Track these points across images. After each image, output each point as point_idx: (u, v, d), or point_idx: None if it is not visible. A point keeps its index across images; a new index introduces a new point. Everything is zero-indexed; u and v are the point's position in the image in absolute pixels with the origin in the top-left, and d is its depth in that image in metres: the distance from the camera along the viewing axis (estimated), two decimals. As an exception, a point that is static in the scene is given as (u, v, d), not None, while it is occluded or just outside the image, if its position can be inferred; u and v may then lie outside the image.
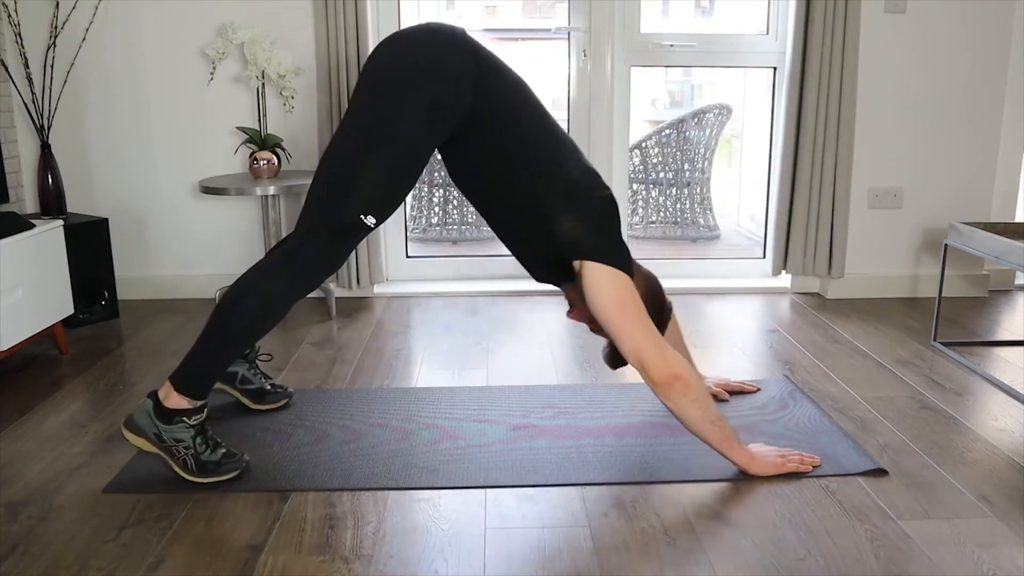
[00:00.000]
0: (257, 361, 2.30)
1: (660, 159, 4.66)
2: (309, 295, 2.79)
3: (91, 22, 3.14)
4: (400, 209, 3.51)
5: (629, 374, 2.49)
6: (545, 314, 3.16)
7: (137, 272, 3.39)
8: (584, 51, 3.34)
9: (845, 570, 1.53)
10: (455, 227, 4.62)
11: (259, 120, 3.17)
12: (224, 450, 1.87)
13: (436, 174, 4.57)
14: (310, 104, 3.25)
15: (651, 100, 6.38)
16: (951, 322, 3.07)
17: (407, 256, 3.58)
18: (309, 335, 2.93)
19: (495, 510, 1.74)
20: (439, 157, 1.92)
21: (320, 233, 1.80)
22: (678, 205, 4.72)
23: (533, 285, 3.39)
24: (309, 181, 2.95)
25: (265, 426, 2.15)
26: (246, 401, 2.25)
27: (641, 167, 4.69)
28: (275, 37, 3.15)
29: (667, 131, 4.60)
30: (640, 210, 4.76)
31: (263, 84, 3.11)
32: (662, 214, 4.75)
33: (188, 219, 3.35)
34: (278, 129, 3.25)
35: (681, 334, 2.28)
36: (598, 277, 1.83)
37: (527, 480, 1.86)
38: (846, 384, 2.44)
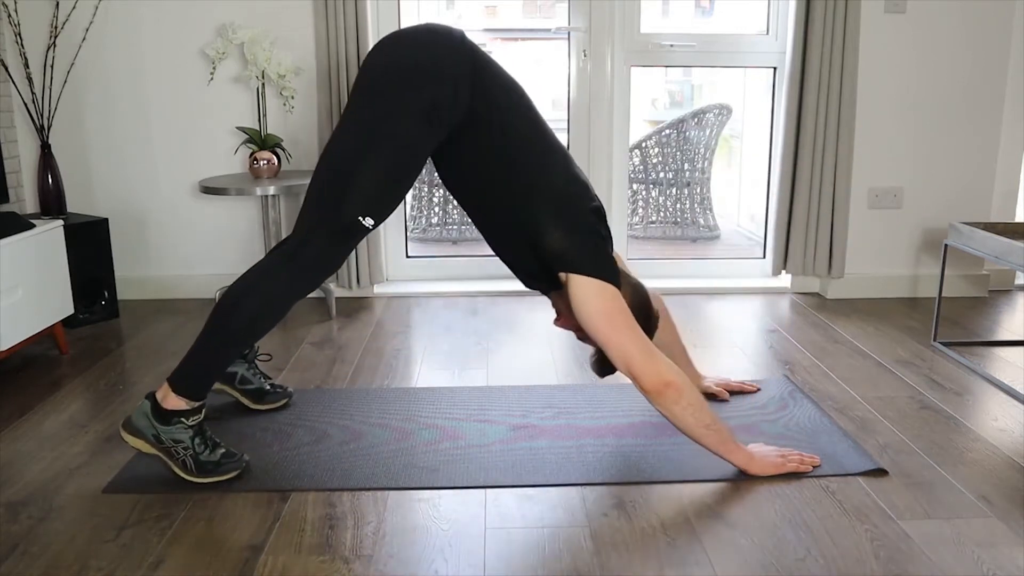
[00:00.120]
0: (256, 361, 2.30)
1: (660, 159, 4.66)
2: (309, 295, 2.79)
3: (91, 22, 3.14)
4: (400, 209, 3.52)
5: (629, 374, 2.49)
6: (545, 314, 3.16)
7: (137, 272, 3.39)
8: (584, 51, 3.34)
9: (845, 570, 1.53)
10: (455, 227, 4.62)
11: (259, 120, 3.17)
12: (223, 450, 1.87)
13: (436, 174, 4.56)
14: (310, 104, 3.25)
15: (651, 100, 6.38)
16: (951, 322, 3.07)
17: (407, 256, 3.58)
18: (309, 335, 2.93)
19: (495, 510, 1.74)
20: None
21: (319, 233, 1.80)
22: (678, 205, 4.72)
23: (533, 285, 3.39)
24: (309, 181, 2.95)
25: (265, 426, 2.15)
26: (246, 401, 2.25)
27: (641, 167, 4.69)
28: (275, 37, 3.15)
29: (667, 131, 4.60)
30: (640, 210, 4.76)
31: (263, 84, 3.11)
32: (662, 214, 4.75)
33: (188, 219, 3.35)
34: (278, 129, 3.26)
35: (679, 336, 2.27)
36: (585, 290, 1.83)
37: (527, 480, 1.86)
38: (846, 384, 2.44)
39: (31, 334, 2.52)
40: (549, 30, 3.45)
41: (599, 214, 1.90)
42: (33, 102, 3.07)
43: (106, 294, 3.10)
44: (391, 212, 1.85)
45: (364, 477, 1.88)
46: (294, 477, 1.88)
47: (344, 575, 1.52)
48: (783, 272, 3.41)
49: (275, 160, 3.05)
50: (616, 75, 3.36)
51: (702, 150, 4.64)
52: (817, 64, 3.14)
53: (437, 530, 1.67)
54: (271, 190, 2.90)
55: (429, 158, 1.86)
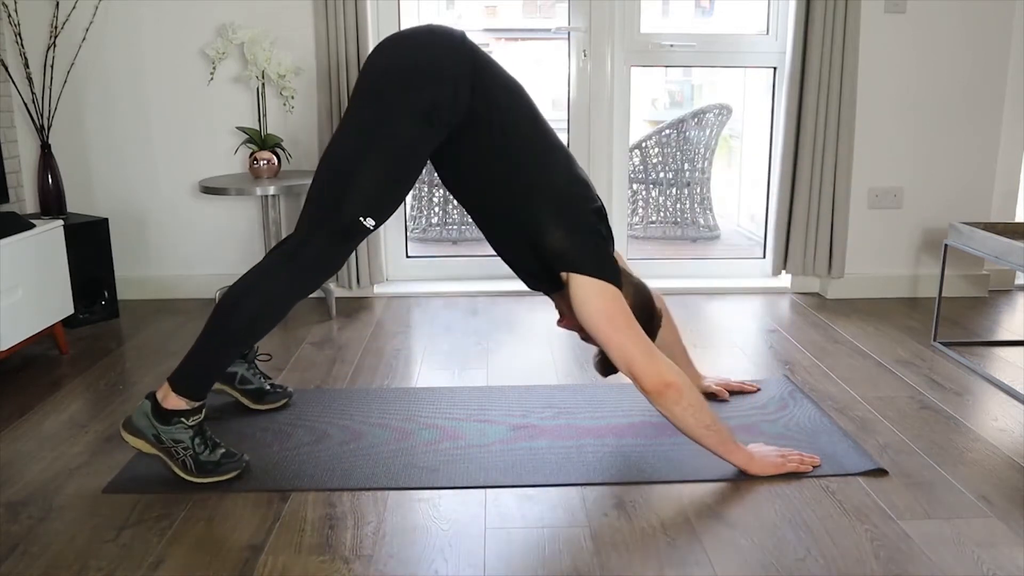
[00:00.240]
0: (256, 361, 2.30)
1: (660, 159, 4.66)
2: (309, 295, 2.79)
3: (91, 22, 3.14)
4: (400, 209, 3.51)
5: (629, 374, 2.49)
6: (545, 314, 3.16)
7: (137, 272, 3.39)
8: (584, 51, 3.34)
9: (845, 570, 1.53)
10: (455, 227, 4.62)
11: (259, 120, 3.17)
12: (223, 450, 1.87)
13: (436, 174, 4.56)
14: (310, 104, 3.25)
15: (651, 100, 6.38)
16: (951, 322, 3.07)
17: (407, 256, 3.58)
18: (309, 335, 2.93)
19: (495, 510, 1.74)
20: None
21: (319, 234, 1.80)
22: (678, 205, 4.72)
23: (533, 285, 3.39)
24: (309, 181, 2.96)
25: (265, 426, 2.15)
26: (245, 401, 2.25)
27: (641, 167, 4.69)
28: (275, 37, 3.15)
29: (667, 131, 4.60)
30: (640, 210, 4.76)
31: (263, 84, 3.11)
32: (662, 214, 4.75)
33: (188, 219, 3.35)
34: (278, 129, 3.26)
35: (679, 336, 2.27)
36: (585, 290, 1.83)
37: (527, 480, 1.86)
38: (846, 384, 2.44)
39: (31, 334, 2.52)
40: (549, 30, 3.45)
41: (600, 214, 1.90)
42: (33, 102, 3.07)
43: (106, 294, 3.10)
44: (392, 213, 1.85)
45: (364, 477, 1.88)
46: (294, 477, 1.88)
47: (344, 575, 1.52)
48: (783, 272, 3.42)
49: (275, 160, 3.05)
50: (616, 75, 3.36)
51: (702, 150, 4.64)
52: (817, 64, 3.14)
53: (437, 530, 1.67)
54: (271, 190, 2.90)
55: (429, 159, 1.87)
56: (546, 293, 2.01)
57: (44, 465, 1.96)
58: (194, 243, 3.37)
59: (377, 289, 3.44)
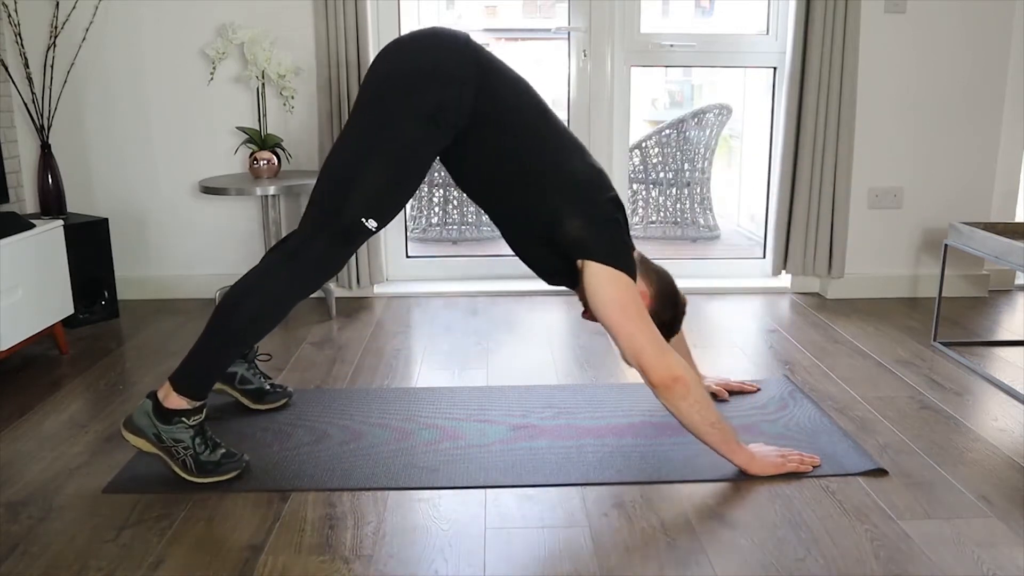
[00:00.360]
0: (256, 361, 2.30)
1: (660, 159, 4.66)
2: (310, 295, 2.79)
3: (91, 22, 3.14)
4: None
5: (629, 374, 2.49)
6: (545, 314, 3.16)
7: (137, 272, 3.39)
8: (584, 51, 3.34)
9: (845, 570, 1.53)
10: (455, 227, 4.62)
11: (259, 120, 3.17)
12: (224, 450, 1.87)
13: (436, 174, 4.57)
14: (310, 104, 3.25)
15: (651, 100, 6.38)
16: (951, 322, 3.07)
17: (407, 256, 3.58)
18: (309, 335, 2.93)
19: (495, 510, 1.74)
20: (438, 160, 1.91)
21: (321, 234, 1.80)
22: (678, 205, 4.72)
23: (533, 285, 3.39)
24: (309, 181, 2.96)
25: (265, 426, 2.15)
26: (246, 401, 2.25)
27: (641, 167, 4.69)
28: (275, 37, 3.15)
29: (667, 131, 4.60)
30: (640, 210, 4.76)
31: (263, 84, 3.11)
32: (662, 214, 4.75)
33: (188, 219, 3.35)
34: (278, 129, 3.26)
35: (683, 334, 2.27)
36: (598, 277, 1.83)
37: (527, 480, 1.86)
38: (846, 384, 2.44)
39: (31, 334, 2.52)
40: (549, 30, 3.45)
41: (616, 203, 1.90)
42: (33, 102, 3.07)
43: (106, 294, 3.10)
44: (394, 215, 1.85)
45: (364, 477, 1.88)
46: (294, 477, 1.88)
47: (344, 575, 1.52)
48: (783, 272, 3.42)
49: (275, 160, 3.05)
50: (616, 75, 3.36)
51: (702, 150, 4.64)
52: (817, 64, 3.14)
53: (437, 530, 1.67)
54: (271, 190, 2.90)
55: (440, 162, 1.87)
56: (569, 286, 2.00)
57: (44, 465, 1.96)
58: (194, 243, 3.37)
59: (377, 289, 3.44)
